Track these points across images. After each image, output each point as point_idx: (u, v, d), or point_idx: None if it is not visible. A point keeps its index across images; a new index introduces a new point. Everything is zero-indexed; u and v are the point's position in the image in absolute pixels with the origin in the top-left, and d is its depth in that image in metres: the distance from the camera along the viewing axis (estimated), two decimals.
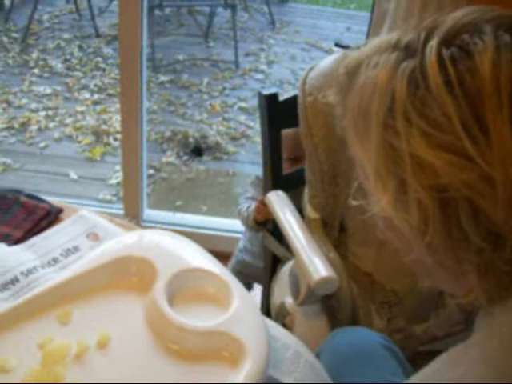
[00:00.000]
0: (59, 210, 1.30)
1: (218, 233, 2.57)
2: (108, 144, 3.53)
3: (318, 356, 1.09)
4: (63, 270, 1.12)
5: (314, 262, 1.29)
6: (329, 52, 4.97)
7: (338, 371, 1.05)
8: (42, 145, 3.48)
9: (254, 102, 4.03)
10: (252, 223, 1.78)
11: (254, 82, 4.42)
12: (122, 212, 2.58)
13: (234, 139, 3.67)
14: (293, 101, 1.53)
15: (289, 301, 1.50)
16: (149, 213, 2.63)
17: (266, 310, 1.71)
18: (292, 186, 1.66)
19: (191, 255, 1.06)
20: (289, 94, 1.61)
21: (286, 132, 1.74)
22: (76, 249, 1.19)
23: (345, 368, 1.06)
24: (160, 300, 0.94)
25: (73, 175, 3.20)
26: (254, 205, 1.79)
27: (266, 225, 1.74)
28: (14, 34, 4.82)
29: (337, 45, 1.75)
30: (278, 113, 1.58)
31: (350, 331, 1.28)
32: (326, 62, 1.53)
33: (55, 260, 1.16)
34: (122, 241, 1.08)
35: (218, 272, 1.02)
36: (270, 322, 1.05)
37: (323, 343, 1.11)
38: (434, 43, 0.64)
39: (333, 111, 1.45)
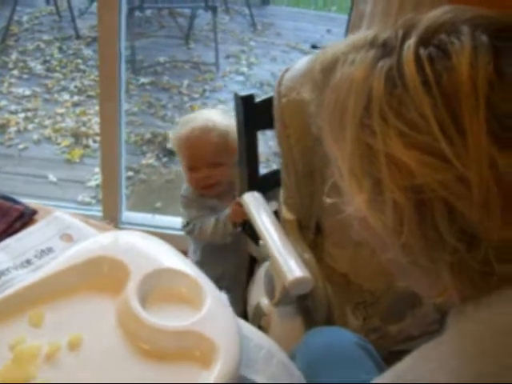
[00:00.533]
0: (33, 212, 1.30)
1: None
2: (87, 146, 3.51)
3: (293, 356, 1.09)
4: (36, 272, 1.12)
5: (289, 263, 1.30)
6: (308, 54, 4.97)
7: (314, 371, 1.06)
8: (20, 147, 3.46)
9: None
10: (230, 228, 1.77)
11: (234, 84, 4.42)
12: (100, 214, 2.57)
13: None
14: (269, 102, 1.54)
15: (265, 302, 1.50)
16: (128, 215, 2.62)
17: (243, 311, 1.71)
18: (268, 187, 1.66)
19: (164, 255, 1.05)
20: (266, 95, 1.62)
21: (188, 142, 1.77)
22: (50, 250, 1.19)
23: (320, 368, 1.06)
24: (132, 300, 0.94)
25: (52, 177, 3.19)
26: (212, 218, 1.79)
27: (243, 226, 1.74)
28: None
29: (314, 47, 1.76)
30: (253, 114, 1.59)
31: (325, 331, 1.28)
32: (301, 62, 1.54)
33: (28, 261, 1.15)
34: (95, 241, 1.08)
35: (190, 272, 1.02)
36: (243, 323, 1.06)
37: (298, 343, 1.12)
38: (411, 42, 0.64)
39: (308, 109, 1.47)
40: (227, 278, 1.89)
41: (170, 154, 3.46)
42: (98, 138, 3.48)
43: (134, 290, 0.96)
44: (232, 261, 1.92)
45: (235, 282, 1.87)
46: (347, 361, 1.06)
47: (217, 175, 1.80)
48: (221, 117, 1.83)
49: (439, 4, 1.69)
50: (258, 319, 1.54)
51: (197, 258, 1.95)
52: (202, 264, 1.90)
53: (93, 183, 3.15)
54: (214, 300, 0.98)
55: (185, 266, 1.03)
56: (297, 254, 1.35)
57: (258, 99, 1.60)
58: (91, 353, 0.91)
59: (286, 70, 1.52)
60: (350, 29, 2.08)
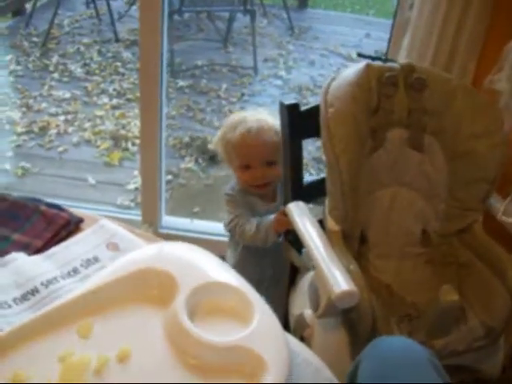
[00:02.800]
0: (79, 220, 1.30)
1: None
2: (126, 149, 3.54)
3: (360, 361, 1.06)
4: (83, 281, 1.12)
5: (335, 275, 1.28)
6: (348, 58, 4.95)
7: (382, 377, 1.03)
8: (60, 149, 3.49)
9: (273, 108, 4.01)
10: (272, 236, 1.76)
11: (272, 88, 4.42)
12: (139, 218, 2.58)
13: None
14: (314, 111, 1.53)
15: (308, 312, 1.49)
16: (167, 219, 2.62)
17: (284, 320, 1.70)
18: (313, 196, 1.65)
19: (212, 268, 1.05)
20: (310, 103, 1.60)
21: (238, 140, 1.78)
22: (96, 259, 1.19)
23: (389, 375, 1.03)
24: (181, 314, 0.93)
25: (91, 180, 3.21)
26: (270, 217, 1.78)
27: (287, 235, 1.72)
28: (35, 39, 4.85)
29: (359, 55, 1.74)
30: (299, 123, 1.58)
31: (396, 339, 1.25)
32: (349, 72, 1.53)
33: (75, 270, 1.15)
34: (143, 253, 1.08)
35: (239, 286, 1.01)
36: (291, 338, 1.04)
37: (367, 349, 1.09)
38: None
39: (354, 119, 1.45)
40: (266, 283, 1.88)
41: (210, 158, 3.47)
42: (137, 141, 3.50)
43: (182, 304, 0.95)
44: (271, 266, 1.92)
45: (275, 288, 1.86)
46: (415, 373, 1.03)
47: (271, 174, 1.81)
48: (271, 117, 1.85)
49: (481, 24, 1.68)
50: (300, 330, 1.53)
51: (236, 257, 1.96)
52: (240, 265, 1.92)
53: (132, 186, 3.17)
54: (263, 314, 0.96)
55: (233, 279, 1.02)
56: (342, 266, 1.33)
57: (303, 108, 1.59)
58: (139, 367, 0.90)
59: (333, 79, 1.51)
60: (393, 35, 2.06)
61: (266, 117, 1.85)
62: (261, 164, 1.79)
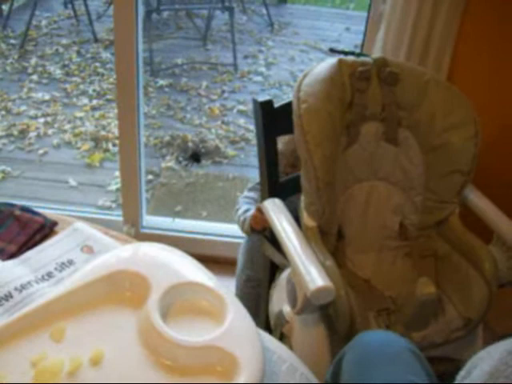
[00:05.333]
0: (54, 223, 1.30)
1: (219, 238, 2.55)
2: (107, 150, 3.52)
3: (343, 354, 1.08)
4: (58, 284, 1.12)
5: (310, 272, 1.29)
6: (328, 53, 4.95)
7: (363, 368, 1.04)
8: (41, 152, 3.47)
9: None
10: (247, 229, 1.76)
11: (253, 85, 4.41)
12: (121, 219, 2.57)
13: (233, 143, 3.66)
14: (288, 107, 1.52)
15: (287, 309, 1.49)
16: (148, 219, 2.62)
17: (265, 317, 1.70)
18: (288, 192, 1.65)
19: (185, 268, 1.05)
20: (284, 100, 1.60)
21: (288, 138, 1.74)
22: (70, 262, 1.19)
23: (370, 366, 1.04)
24: (153, 315, 0.94)
25: (72, 182, 3.20)
26: (252, 210, 1.78)
27: (263, 232, 1.72)
28: (12, 41, 4.82)
29: (332, 50, 1.74)
30: (273, 120, 1.58)
31: (378, 333, 1.27)
32: (321, 68, 1.52)
33: (49, 274, 1.15)
34: (116, 255, 1.08)
35: (212, 286, 1.01)
36: (266, 335, 1.05)
37: (351, 341, 1.10)
38: None
39: (327, 115, 1.46)
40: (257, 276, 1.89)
41: (190, 157, 3.46)
42: (117, 142, 3.48)
43: (155, 304, 0.95)
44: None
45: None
46: (396, 361, 1.05)
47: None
48: None
49: (454, 17, 1.68)
50: (279, 326, 1.53)
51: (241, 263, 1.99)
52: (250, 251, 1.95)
53: (113, 187, 3.16)
54: (236, 314, 0.97)
55: (206, 279, 1.02)
56: (318, 262, 1.34)
57: (276, 104, 1.59)
58: (113, 369, 0.90)
59: (305, 75, 1.51)
60: (368, 29, 2.07)
61: None
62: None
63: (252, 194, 1.89)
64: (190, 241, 2.54)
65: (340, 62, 1.54)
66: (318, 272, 1.28)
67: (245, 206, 1.82)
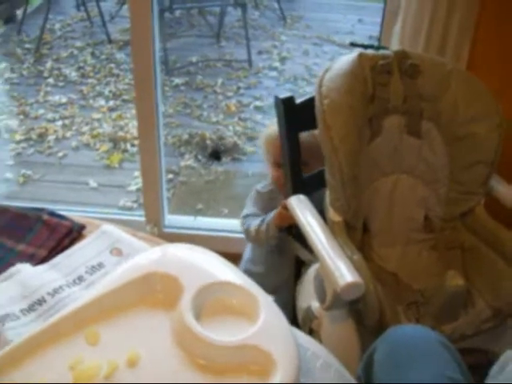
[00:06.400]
0: (81, 227, 1.30)
1: (240, 235, 2.56)
2: (126, 150, 3.53)
3: (375, 348, 1.08)
4: (89, 288, 1.13)
5: (339, 267, 1.29)
6: (341, 45, 4.94)
7: (395, 362, 1.04)
8: (60, 154, 3.49)
9: (270, 101, 4.01)
10: (274, 232, 1.76)
11: (268, 80, 4.40)
12: (143, 219, 2.58)
13: (251, 139, 3.66)
14: (309, 103, 1.52)
15: (315, 305, 1.50)
16: (170, 218, 2.62)
17: (292, 313, 1.70)
18: (313, 188, 1.65)
19: (216, 268, 1.05)
20: (306, 93, 1.60)
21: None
22: (100, 265, 1.19)
23: (402, 360, 1.04)
24: (187, 316, 0.94)
25: (92, 183, 3.21)
26: (269, 217, 1.78)
27: (289, 229, 1.72)
28: (27, 45, 4.84)
29: (352, 44, 1.74)
30: (295, 116, 1.57)
31: (409, 327, 1.26)
32: (342, 62, 1.52)
33: (80, 278, 1.16)
34: (146, 257, 1.08)
35: (243, 284, 1.01)
36: (298, 332, 1.05)
37: (382, 335, 1.10)
38: None
39: (350, 109, 1.45)
40: (273, 280, 1.89)
41: (209, 154, 3.46)
42: (135, 142, 3.50)
43: (188, 305, 0.95)
44: (277, 263, 1.92)
45: (283, 285, 1.86)
46: (430, 355, 1.04)
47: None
48: None
49: (472, 5, 1.67)
50: (308, 322, 1.53)
51: (248, 254, 1.98)
52: (252, 261, 1.95)
53: (133, 187, 3.17)
54: (269, 311, 0.97)
55: (237, 277, 1.02)
56: (346, 257, 1.33)
57: (298, 100, 1.59)
58: (148, 370, 0.90)
59: (327, 70, 1.50)
60: (385, 20, 2.05)
61: None
62: None
63: (255, 210, 1.87)
64: (212, 239, 2.55)
65: (360, 55, 1.53)
66: (347, 267, 1.28)
67: (257, 221, 1.81)
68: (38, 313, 1.08)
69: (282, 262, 1.90)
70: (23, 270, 1.16)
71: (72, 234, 1.28)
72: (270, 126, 1.82)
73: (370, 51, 1.58)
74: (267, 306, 0.98)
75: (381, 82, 1.54)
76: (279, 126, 1.61)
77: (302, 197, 1.54)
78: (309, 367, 0.97)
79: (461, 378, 0.99)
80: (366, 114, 1.52)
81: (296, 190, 1.60)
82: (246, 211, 1.89)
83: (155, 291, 1.01)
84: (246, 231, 1.83)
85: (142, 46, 2.22)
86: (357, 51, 1.56)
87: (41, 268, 1.18)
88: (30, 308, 1.09)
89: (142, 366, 0.91)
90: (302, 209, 1.49)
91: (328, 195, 1.52)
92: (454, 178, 1.59)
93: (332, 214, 1.49)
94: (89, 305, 0.98)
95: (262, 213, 1.84)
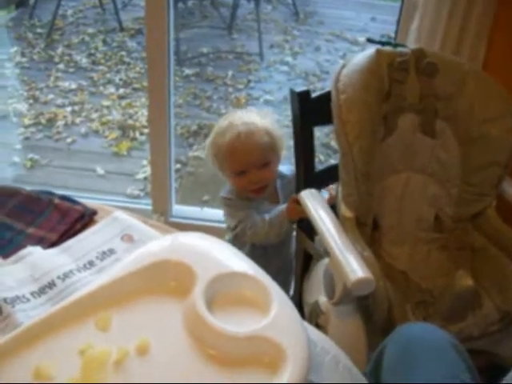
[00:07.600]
0: (93, 212, 1.30)
1: None
2: (134, 139, 3.53)
3: (384, 346, 1.07)
4: (99, 273, 1.12)
5: (350, 262, 1.28)
6: (354, 43, 4.92)
7: (406, 359, 1.04)
8: (68, 140, 3.49)
9: (280, 95, 4.01)
10: (286, 225, 1.74)
11: (279, 75, 4.39)
12: (150, 208, 2.58)
13: None
14: (325, 98, 1.52)
15: (323, 300, 1.49)
16: (177, 208, 2.62)
17: (298, 307, 1.70)
18: (324, 183, 1.65)
19: (228, 258, 1.04)
20: (317, 89, 1.59)
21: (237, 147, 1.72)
22: (111, 251, 1.19)
23: (414, 360, 1.04)
24: (199, 305, 0.93)
25: (100, 170, 3.21)
26: (267, 216, 1.76)
27: (299, 223, 1.72)
28: (39, 30, 4.84)
29: (369, 40, 1.73)
30: (310, 110, 1.57)
31: (418, 325, 1.26)
32: (359, 58, 1.52)
33: (91, 263, 1.16)
34: (159, 244, 1.07)
35: (255, 275, 1.00)
36: (309, 326, 1.04)
37: (392, 334, 1.10)
38: None
39: (365, 106, 1.45)
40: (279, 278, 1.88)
41: None
42: (144, 131, 3.50)
43: (200, 294, 0.95)
44: (280, 260, 1.91)
45: (282, 283, 1.85)
46: (439, 356, 1.04)
47: (266, 176, 1.76)
48: (258, 117, 1.78)
49: (489, 6, 1.66)
50: (315, 317, 1.53)
51: None
52: None
53: (141, 176, 3.17)
54: (281, 303, 0.96)
55: (249, 268, 1.02)
56: (357, 253, 1.33)
57: (313, 94, 1.58)
58: (158, 358, 0.90)
59: (343, 66, 1.50)
60: (402, 18, 2.05)
61: (253, 118, 1.77)
62: (256, 167, 1.73)
63: (244, 213, 1.80)
64: (218, 230, 2.54)
65: (378, 52, 1.52)
66: (359, 263, 1.27)
67: (263, 218, 1.76)
68: (48, 296, 1.08)
69: (266, 260, 1.83)
70: (34, 252, 1.16)
71: (84, 218, 1.27)
72: (218, 136, 1.77)
73: (387, 48, 1.58)
74: (279, 298, 0.97)
75: (397, 79, 1.53)
76: (293, 119, 1.61)
77: (313, 191, 1.54)
78: (318, 361, 0.97)
79: (470, 378, 0.98)
80: (381, 111, 1.52)
81: (308, 184, 1.60)
82: (235, 219, 1.81)
83: (168, 279, 1.00)
84: (252, 234, 1.77)
85: (157, 36, 2.21)
86: (374, 47, 1.55)
87: (52, 251, 1.17)
88: (41, 291, 1.09)
89: (152, 353, 0.91)
90: (313, 203, 1.49)
91: (340, 191, 1.52)
92: (466, 178, 1.59)
93: (344, 210, 1.49)
94: (101, 290, 0.98)
95: (249, 211, 1.80)
